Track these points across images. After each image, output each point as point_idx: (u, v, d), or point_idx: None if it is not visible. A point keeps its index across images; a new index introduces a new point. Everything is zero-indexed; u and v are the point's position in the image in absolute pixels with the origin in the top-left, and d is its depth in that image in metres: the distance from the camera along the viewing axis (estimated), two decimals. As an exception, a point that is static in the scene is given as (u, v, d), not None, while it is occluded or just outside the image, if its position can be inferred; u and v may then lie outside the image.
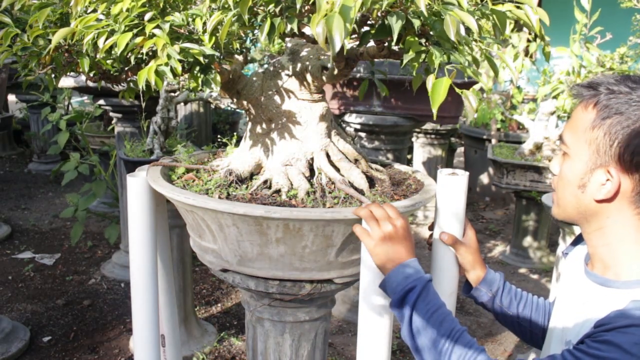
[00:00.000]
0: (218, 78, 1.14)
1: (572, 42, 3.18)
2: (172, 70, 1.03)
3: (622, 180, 0.90)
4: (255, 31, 1.24)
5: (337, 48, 0.82)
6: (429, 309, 1.01)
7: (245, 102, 1.39)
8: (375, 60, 1.25)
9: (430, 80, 0.97)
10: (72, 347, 2.92)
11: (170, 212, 1.58)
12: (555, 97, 3.48)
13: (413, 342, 1.01)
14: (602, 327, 0.85)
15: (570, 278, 1.08)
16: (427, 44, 1.03)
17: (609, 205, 0.93)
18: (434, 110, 0.97)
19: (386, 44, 1.12)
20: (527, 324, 1.26)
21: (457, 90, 0.99)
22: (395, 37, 0.92)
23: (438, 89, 0.96)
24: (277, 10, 1.04)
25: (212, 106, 5.03)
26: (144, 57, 1.11)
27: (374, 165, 1.48)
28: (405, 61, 0.99)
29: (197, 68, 1.13)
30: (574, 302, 1.02)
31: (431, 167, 5.21)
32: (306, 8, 1.03)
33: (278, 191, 1.30)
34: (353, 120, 3.00)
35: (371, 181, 1.39)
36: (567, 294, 1.06)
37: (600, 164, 0.92)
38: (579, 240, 1.13)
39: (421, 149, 5.28)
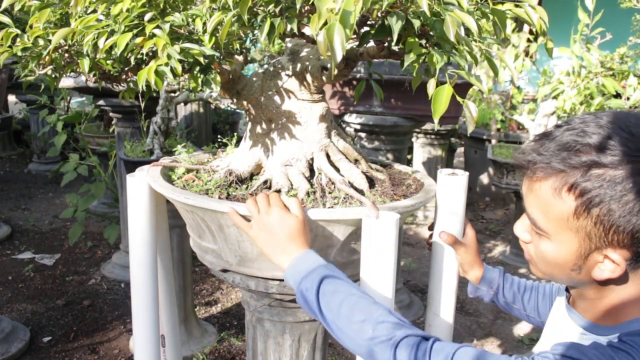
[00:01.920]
0: (218, 78, 1.14)
1: (573, 43, 3.18)
2: (172, 71, 1.03)
3: (623, 255, 0.81)
4: (255, 31, 1.24)
5: (339, 58, 0.82)
6: (334, 303, 0.95)
7: (245, 103, 1.39)
8: (375, 60, 1.25)
9: (432, 85, 0.97)
10: (72, 348, 2.92)
11: (170, 212, 1.58)
12: (555, 98, 3.48)
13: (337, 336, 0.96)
14: (556, 351, 0.80)
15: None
16: (427, 44, 1.03)
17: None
18: (436, 120, 0.96)
19: (386, 44, 1.12)
20: (536, 314, 1.24)
21: (459, 98, 0.99)
22: (395, 37, 0.92)
23: (439, 97, 0.95)
24: (277, 10, 1.04)
25: (212, 106, 5.03)
26: (144, 57, 1.11)
27: (374, 166, 1.48)
28: (406, 63, 0.99)
29: (197, 68, 1.13)
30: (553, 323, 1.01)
31: (431, 167, 5.20)
32: (306, 8, 1.03)
33: (278, 191, 1.30)
34: (353, 120, 3.00)
35: (371, 181, 1.39)
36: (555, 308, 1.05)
37: (594, 248, 0.82)
38: None
39: (421, 149, 5.28)
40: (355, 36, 1.11)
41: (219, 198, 1.26)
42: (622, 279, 0.84)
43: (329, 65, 1.28)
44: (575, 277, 0.88)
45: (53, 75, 1.29)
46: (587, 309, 0.92)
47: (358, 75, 2.69)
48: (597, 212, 0.79)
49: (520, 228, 0.94)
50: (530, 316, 1.25)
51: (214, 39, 1.09)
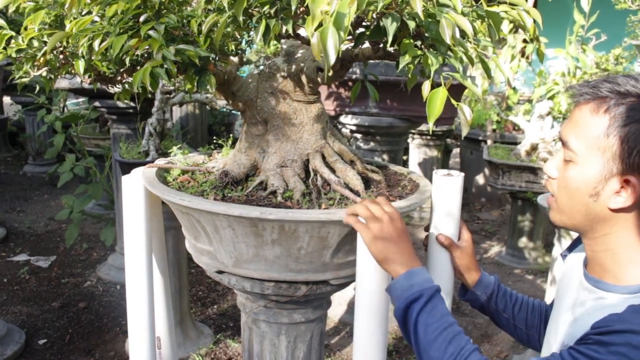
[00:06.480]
0: (213, 80, 1.14)
1: (568, 44, 3.20)
2: (168, 72, 1.03)
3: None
4: (251, 33, 1.24)
5: (332, 61, 0.82)
6: (435, 324, 0.98)
7: (240, 104, 1.39)
8: (371, 61, 1.25)
9: (427, 87, 0.97)
10: (68, 350, 2.91)
11: (165, 214, 1.57)
12: (550, 98, 3.49)
13: (419, 356, 0.99)
14: (600, 329, 0.84)
15: (568, 281, 1.08)
16: (422, 45, 1.03)
17: (621, 213, 0.91)
18: (431, 124, 0.97)
19: (381, 45, 1.13)
20: (523, 326, 1.26)
21: (454, 102, 0.99)
22: (390, 39, 0.92)
23: (434, 101, 0.95)
24: (272, 11, 1.04)
25: (208, 108, 5.02)
26: (139, 58, 1.11)
27: (369, 167, 1.48)
28: (401, 65, 0.99)
29: (192, 70, 1.13)
30: (572, 305, 1.02)
31: (427, 168, 5.21)
32: (301, 9, 1.03)
33: (273, 192, 1.30)
34: (349, 121, 3.00)
35: (367, 182, 1.39)
36: (566, 296, 1.06)
37: (615, 173, 0.89)
38: (577, 242, 1.13)
39: (417, 150, 5.29)
40: (350, 37, 1.11)
41: (215, 199, 1.25)
42: (630, 216, 0.91)
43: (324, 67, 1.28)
44: (592, 207, 0.93)
45: (48, 77, 1.29)
46: (605, 269, 0.96)
47: (354, 76, 2.69)
48: (625, 131, 0.88)
49: (551, 164, 1.01)
50: (517, 326, 1.26)
51: (209, 40, 1.09)
